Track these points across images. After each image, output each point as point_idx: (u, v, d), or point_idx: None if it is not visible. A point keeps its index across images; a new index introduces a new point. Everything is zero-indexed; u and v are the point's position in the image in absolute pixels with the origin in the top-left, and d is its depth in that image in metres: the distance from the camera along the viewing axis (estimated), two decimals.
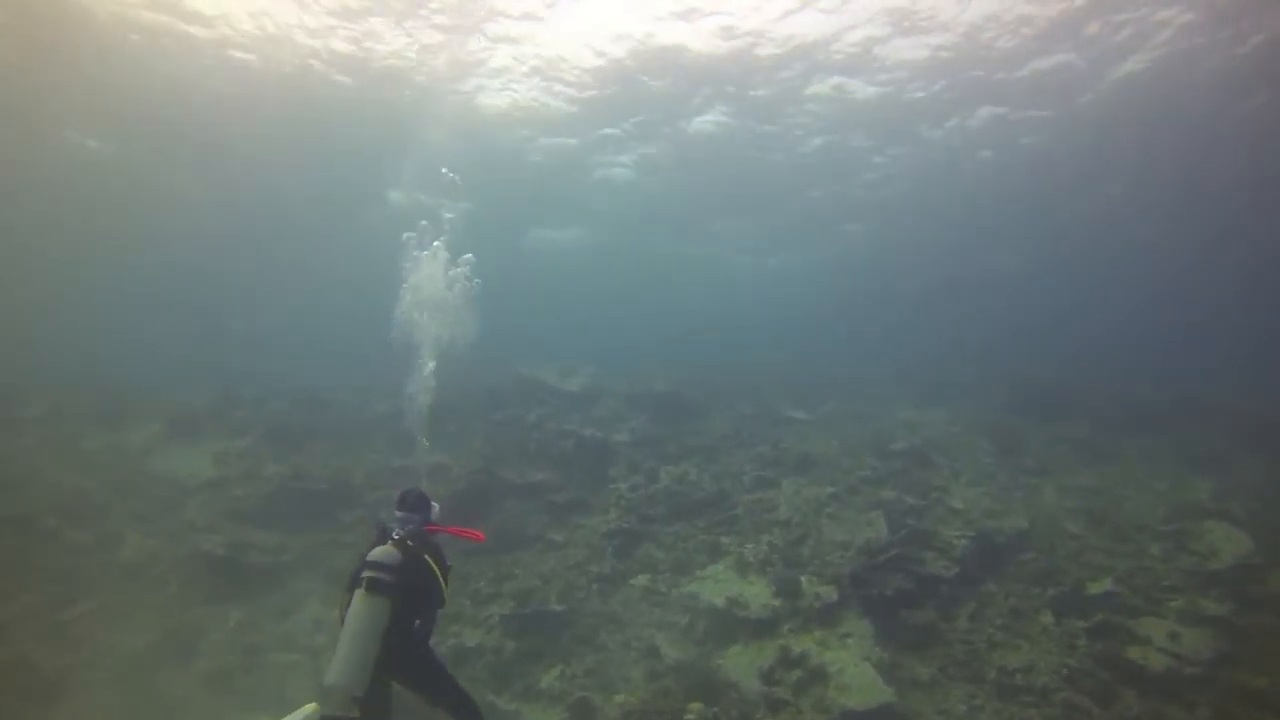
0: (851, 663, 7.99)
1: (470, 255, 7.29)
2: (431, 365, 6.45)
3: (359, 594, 3.57)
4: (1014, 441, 14.60)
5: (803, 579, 9.28)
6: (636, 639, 9.28)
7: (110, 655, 9.28)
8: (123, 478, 13.89)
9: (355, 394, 19.66)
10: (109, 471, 14.10)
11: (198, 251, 34.27)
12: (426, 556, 3.88)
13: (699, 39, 16.36)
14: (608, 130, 21.50)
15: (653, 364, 25.76)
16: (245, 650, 9.68)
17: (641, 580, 10.48)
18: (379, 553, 3.73)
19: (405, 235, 7.22)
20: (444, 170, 10.77)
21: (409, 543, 3.86)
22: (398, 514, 4.11)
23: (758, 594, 9.21)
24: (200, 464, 14.59)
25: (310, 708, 3.73)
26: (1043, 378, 19.41)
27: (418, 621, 3.79)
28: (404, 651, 3.68)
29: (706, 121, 20.63)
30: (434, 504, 4.27)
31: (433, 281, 6.87)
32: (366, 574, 3.62)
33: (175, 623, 10.05)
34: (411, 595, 3.72)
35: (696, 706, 7.62)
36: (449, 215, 7.42)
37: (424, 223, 7.29)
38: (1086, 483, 12.70)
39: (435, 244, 7.03)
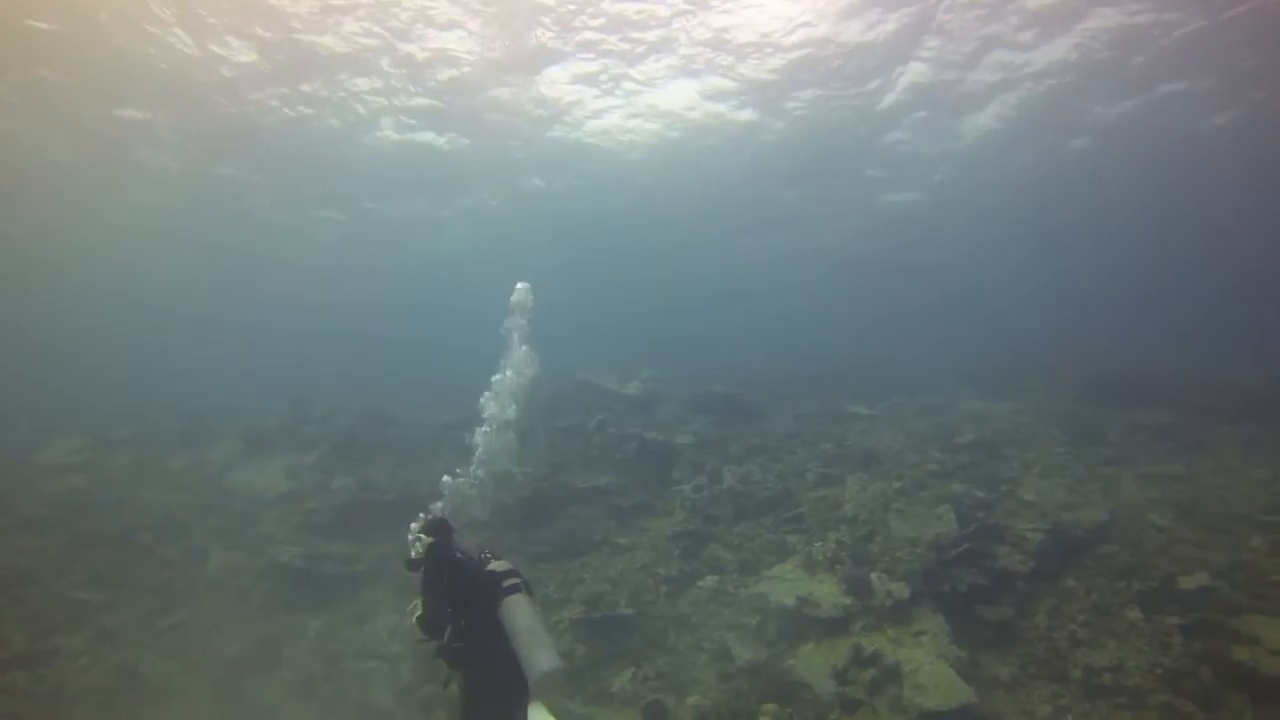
0: (927, 661, 7.75)
1: None
2: None
3: (520, 598, 3.72)
4: (1089, 430, 13.91)
5: (873, 576, 9.08)
6: (707, 640, 9.25)
7: (205, 662, 9.78)
8: (206, 494, 14.61)
9: (416, 408, 20.21)
10: (193, 489, 14.86)
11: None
12: None
13: None
14: None
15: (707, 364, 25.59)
16: (326, 658, 10.03)
17: (709, 581, 10.43)
18: (505, 565, 3.93)
19: None
20: None
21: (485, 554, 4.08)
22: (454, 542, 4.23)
23: (828, 592, 9.06)
24: (275, 478, 15.22)
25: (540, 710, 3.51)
26: (1118, 364, 18.49)
27: None
28: None
29: None
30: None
31: None
32: (513, 580, 3.80)
33: (259, 632, 10.52)
34: None
35: (771, 708, 7.55)
36: None
37: None
38: (1172, 472, 11.96)
39: None
